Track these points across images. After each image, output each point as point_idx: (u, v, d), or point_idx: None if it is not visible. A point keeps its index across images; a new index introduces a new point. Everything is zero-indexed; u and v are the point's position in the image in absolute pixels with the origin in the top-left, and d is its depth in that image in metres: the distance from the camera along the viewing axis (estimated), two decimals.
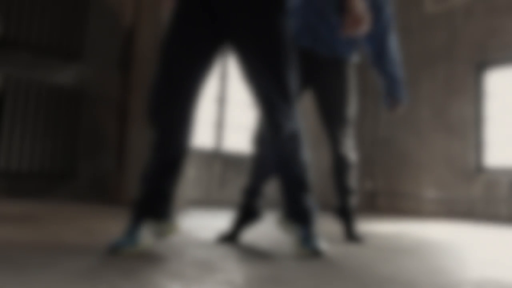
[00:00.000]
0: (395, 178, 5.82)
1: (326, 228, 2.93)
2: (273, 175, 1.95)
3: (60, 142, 3.66)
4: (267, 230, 2.49)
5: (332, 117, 2.20)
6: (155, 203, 1.57)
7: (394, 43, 2.32)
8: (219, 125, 4.77)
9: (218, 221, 2.91)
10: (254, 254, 1.58)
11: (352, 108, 2.25)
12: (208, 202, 4.49)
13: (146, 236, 1.52)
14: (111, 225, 2.25)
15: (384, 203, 5.89)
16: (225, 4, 1.57)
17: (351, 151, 2.27)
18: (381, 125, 6.10)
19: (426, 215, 5.33)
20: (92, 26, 3.99)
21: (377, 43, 2.26)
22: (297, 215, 1.62)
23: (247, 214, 2.01)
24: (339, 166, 2.26)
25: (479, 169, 5.11)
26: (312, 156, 5.34)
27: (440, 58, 5.57)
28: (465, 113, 5.24)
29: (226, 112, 4.82)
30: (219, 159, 4.62)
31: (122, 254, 1.42)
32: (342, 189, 2.29)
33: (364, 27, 1.50)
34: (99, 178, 4.01)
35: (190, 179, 4.17)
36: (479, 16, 5.27)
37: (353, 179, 2.31)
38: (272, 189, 4.75)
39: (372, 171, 6.06)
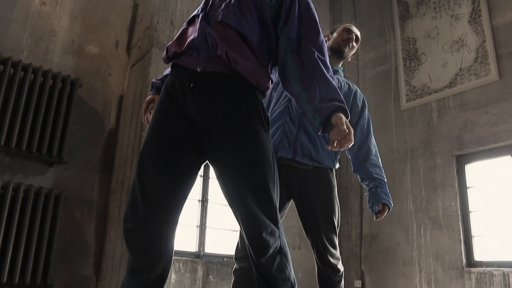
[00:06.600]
0: (384, 275, 5.62)
1: None
2: None
3: (34, 248, 3.47)
4: None
5: (317, 226, 2.12)
6: None
7: (374, 147, 2.32)
8: (201, 226, 4.62)
9: None
10: None
11: (337, 215, 2.19)
12: None
13: None
14: None
15: None
16: (203, 116, 1.54)
17: (338, 261, 2.17)
18: (366, 221, 6.02)
19: None
20: (74, 129, 3.98)
21: (358, 149, 2.26)
22: None
23: None
24: (327, 277, 2.14)
25: (470, 263, 4.98)
26: (297, 255, 5.17)
27: (420, 152, 5.65)
28: (450, 207, 5.21)
29: (208, 213, 4.70)
30: (202, 263, 4.42)
31: None
32: None
33: (350, 143, 1.48)
34: (75, 286, 3.76)
35: (171, 285, 3.95)
36: (452, 110, 5.44)
37: None
38: None
39: (359, 269, 5.86)
